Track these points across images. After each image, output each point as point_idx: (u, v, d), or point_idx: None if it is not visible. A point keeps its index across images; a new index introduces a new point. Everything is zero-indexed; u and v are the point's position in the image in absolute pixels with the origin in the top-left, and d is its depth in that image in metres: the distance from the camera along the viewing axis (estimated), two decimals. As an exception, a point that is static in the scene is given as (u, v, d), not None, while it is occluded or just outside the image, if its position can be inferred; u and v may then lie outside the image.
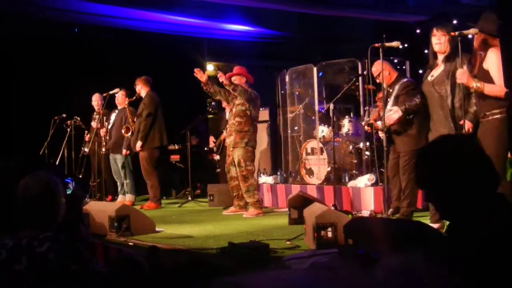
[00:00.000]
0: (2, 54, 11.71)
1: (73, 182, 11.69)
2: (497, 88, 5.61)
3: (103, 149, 11.06)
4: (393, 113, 7.21)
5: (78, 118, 11.56)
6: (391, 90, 7.67)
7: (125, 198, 10.92)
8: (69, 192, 10.69)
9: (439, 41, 6.47)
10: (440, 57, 6.53)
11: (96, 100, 11.53)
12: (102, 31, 13.04)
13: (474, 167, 2.50)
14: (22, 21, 12.02)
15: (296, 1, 12.42)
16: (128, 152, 10.78)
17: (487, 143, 5.53)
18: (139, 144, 10.25)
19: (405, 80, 7.72)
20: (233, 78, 9.23)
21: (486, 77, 5.64)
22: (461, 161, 2.50)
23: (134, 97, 10.58)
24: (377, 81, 7.78)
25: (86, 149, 11.49)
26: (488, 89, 5.64)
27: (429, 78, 6.56)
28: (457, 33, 5.93)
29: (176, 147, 12.98)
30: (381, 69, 7.45)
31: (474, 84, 5.68)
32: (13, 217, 3.18)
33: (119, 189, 11.24)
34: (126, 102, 10.66)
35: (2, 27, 11.64)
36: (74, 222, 3.80)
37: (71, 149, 11.58)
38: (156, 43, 13.77)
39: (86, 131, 11.71)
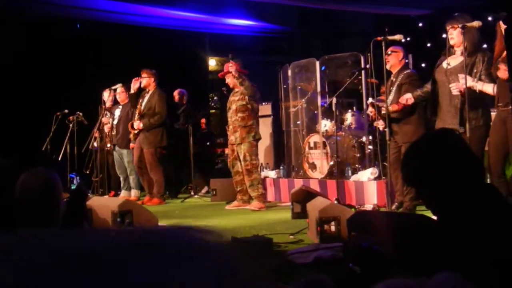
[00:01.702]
0: (4, 50, 11.71)
1: (78, 177, 11.70)
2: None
3: (108, 145, 11.07)
4: (405, 99, 7.23)
5: (81, 114, 11.53)
6: (394, 79, 7.70)
7: (130, 194, 10.94)
8: (73, 187, 10.75)
9: (451, 35, 6.47)
10: (458, 50, 6.51)
11: (108, 95, 11.50)
12: (104, 26, 13.02)
13: (459, 161, 2.50)
14: (23, 17, 12.02)
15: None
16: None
17: (511, 132, 5.54)
18: (139, 124, 10.25)
19: (409, 70, 7.76)
20: (226, 77, 9.30)
21: None
22: (446, 156, 2.50)
23: (144, 90, 10.55)
24: (387, 63, 7.75)
25: (95, 144, 11.43)
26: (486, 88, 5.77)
27: (444, 65, 6.53)
28: (460, 25, 5.92)
29: None
30: (395, 51, 7.58)
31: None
32: (13, 215, 3.17)
33: (121, 184, 11.24)
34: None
35: (3, 23, 11.64)
36: (78, 218, 3.80)
37: (73, 144, 11.54)
38: (158, 38, 13.76)
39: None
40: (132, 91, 10.46)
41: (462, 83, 6.10)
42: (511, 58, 5.08)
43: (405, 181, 2.82)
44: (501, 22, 5.79)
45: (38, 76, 12.25)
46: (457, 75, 6.32)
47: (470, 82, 6.00)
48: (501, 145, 5.75)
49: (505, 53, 5.79)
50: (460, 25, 6.02)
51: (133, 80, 10.39)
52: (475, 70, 6.18)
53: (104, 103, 11.43)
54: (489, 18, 8.36)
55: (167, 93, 10.74)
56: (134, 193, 10.93)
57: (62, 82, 12.32)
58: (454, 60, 6.52)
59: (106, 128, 11.12)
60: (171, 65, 13.84)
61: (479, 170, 2.59)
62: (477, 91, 5.95)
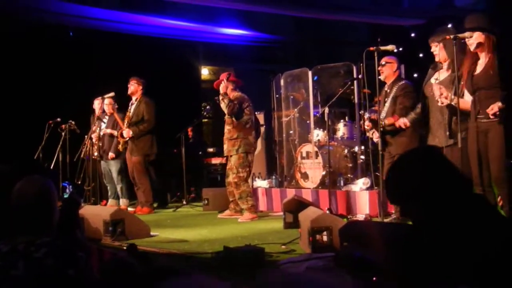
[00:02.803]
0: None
1: (70, 186, 11.65)
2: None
3: (96, 153, 11.02)
4: (402, 123, 7.29)
5: (73, 122, 11.48)
6: (388, 91, 7.72)
7: (118, 202, 10.91)
8: (66, 196, 10.70)
9: (434, 51, 6.50)
10: (445, 64, 6.54)
11: (98, 104, 11.47)
12: (97, 34, 13.01)
13: (446, 175, 2.51)
14: (17, 24, 11.99)
15: (291, 4, 12.43)
16: (114, 156, 10.76)
17: (492, 144, 5.56)
18: (129, 132, 10.26)
19: (404, 82, 7.76)
20: (221, 86, 9.34)
21: (494, 79, 5.62)
22: (432, 171, 2.51)
23: (131, 100, 10.55)
24: (381, 74, 7.78)
25: (87, 153, 11.39)
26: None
27: (433, 80, 6.55)
28: (452, 36, 5.93)
29: None
30: (390, 62, 7.62)
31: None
32: (9, 222, 3.16)
33: (109, 193, 11.19)
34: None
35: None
36: (70, 227, 3.79)
37: (65, 153, 11.51)
38: (151, 47, 13.76)
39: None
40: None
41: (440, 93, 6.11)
42: (503, 69, 5.11)
43: (389, 198, 2.80)
44: (468, 40, 5.82)
45: (30, 83, 12.22)
46: (446, 88, 6.32)
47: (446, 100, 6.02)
48: (483, 156, 5.77)
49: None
50: (451, 36, 6.02)
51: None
52: (462, 83, 6.19)
53: (94, 112, 11.40)
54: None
55: (159, 102, 10.70)
56: (123, 202, 10.90)
57: (55, 90, 12.29)
58: (442, 75, 6.54)
59: (94, 138, 11.04)
60: (164, 74, 13.84)
61: (466, 183, 2.60)
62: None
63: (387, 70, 7.75)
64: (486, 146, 5.71)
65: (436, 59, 6.55)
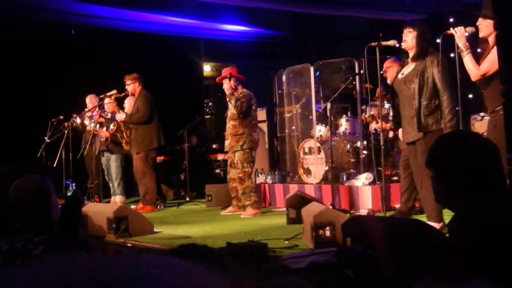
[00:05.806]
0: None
1: (73, 184, 11.66)
2: (475, 68, 5.66)
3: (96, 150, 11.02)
4: None
5: (76, 120, 11.49)
6: None
7: (116, 200, 10.86)
8: (69, 194, 10.67)
9: (405, 37, 6.51)
10: (410, 55, 6.57)
11: (91, 101, 11.42)
12: (98, 32, 13.03)
13: (478, 164, 2.50)
14: (19, 23, 12.02)
15: (292, 0, 12.44)
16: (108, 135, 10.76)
17: (499, 137, 5.56)
18: (122, 115, 10.28)
19: None
20: (225, 86, 9.31)
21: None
22: (465, 156, 2.50)
23: (123, 94, 10.48)
24: (385, 77, 7.84)
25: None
26: (467, 60, 5.70)
27: (400, 76, 6.59)
28: (453, 29, 5.94)
29: None
30: (389, 66, 7.64)
31: (462, 44, 5.74)
32: (8, 220, 3.17)
33: (111, 191, 11.12)
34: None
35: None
36: (73, 224, 3.81)
37: (68, 151, 11.51)
38: (153, 44, 13.77)
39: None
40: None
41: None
42: (504, 64, 5.09)
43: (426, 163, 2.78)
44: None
45: (33, 82, 12.23)
46: (412, 81, 6.35)
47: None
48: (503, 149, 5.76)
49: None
50: (452, 29, 6.02)
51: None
52: (426, 75, 6.23)
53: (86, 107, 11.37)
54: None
55: (161, 99, 10.67)
56: (119, 199, 10.82)
57: (57, 88, 12.30)
58: (407, 69, 6.55)
59: (87, 133, 11.00)
60: (166, 71, 13.86)
61: (501, 174, 2.57)
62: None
63: (390, 75, 7.80)
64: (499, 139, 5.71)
65: (403, 46, 6.56)
